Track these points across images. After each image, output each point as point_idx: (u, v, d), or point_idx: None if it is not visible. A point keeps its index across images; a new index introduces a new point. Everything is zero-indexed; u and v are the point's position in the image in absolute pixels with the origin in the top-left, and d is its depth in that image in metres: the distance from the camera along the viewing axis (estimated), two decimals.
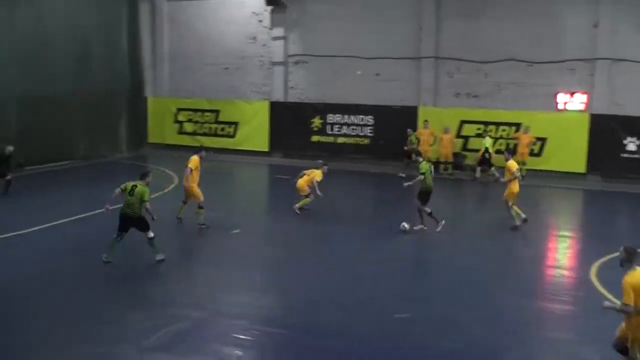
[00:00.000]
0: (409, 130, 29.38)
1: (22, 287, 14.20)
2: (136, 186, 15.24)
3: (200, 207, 19.04)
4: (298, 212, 20.54)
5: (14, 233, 18.02)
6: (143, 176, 15.58)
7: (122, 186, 15.37)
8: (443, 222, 18.69)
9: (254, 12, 33.49)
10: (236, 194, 26.78)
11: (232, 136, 34.37)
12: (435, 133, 29.17)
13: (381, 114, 30.94)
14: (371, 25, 30.70)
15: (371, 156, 30.61)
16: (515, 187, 19.16)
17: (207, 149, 21.08)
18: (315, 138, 32.28)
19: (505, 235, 19.11)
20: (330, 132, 32.02)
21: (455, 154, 29.16)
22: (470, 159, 28.67)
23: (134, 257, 16.51)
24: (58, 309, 12.95)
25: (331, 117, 32.00)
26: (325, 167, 20.98)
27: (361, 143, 31.05)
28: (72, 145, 31.75)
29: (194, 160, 19.34)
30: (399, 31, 30.34)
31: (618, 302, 9.36)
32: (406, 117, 29.99)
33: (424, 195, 18.66)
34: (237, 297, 13.63)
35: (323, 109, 32.17)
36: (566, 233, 20.38)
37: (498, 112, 28.78)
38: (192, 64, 35.53)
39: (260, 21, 33.43)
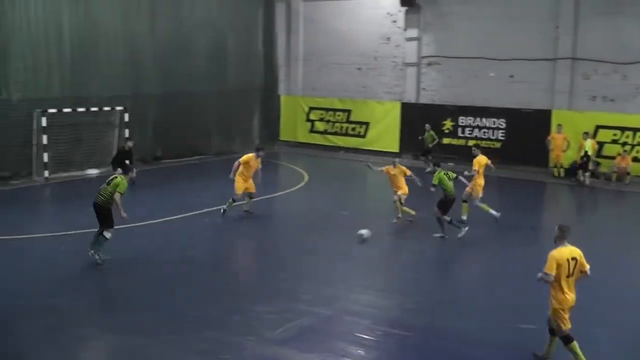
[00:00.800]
0: (426, 125, 30.15)
1: (158, 272, 14.89)
2: (116, 177, 15.27)
3: (233, 201, 19.65)
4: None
5: (149, 221, 18.92)
6: (126, 170, 15.77)
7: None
8: (466, 228, 18.35)
9: (388, 13, 33.38)
10: (364, 194, 26.85)
11: (363, 136, 34.47)
12: (569, 138, 28.29)
13: (514, 117, 30.21)
14: (506, 25, 29.93)
15: (503, 160, 29.75)
16: (481, 180, 19.81)
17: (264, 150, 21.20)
18: (446, 140, 31.75)
19: (633, 248, 18.40)
20: (461, 135, 31.58)
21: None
22: (605, 167, 27.62)
23: (262, 252, 16.93)
24: (191, 293, 13.60)
25: (463, 120, 31.56)
26: (395, 161, 20.42)
27: (492, 147, 30.41)
28: (206, 141, 32.96)
29: (246, 157, 19.94)
30: (534, 31, 29.44)
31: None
32: (539, 120, 29.21)
33: (444, 204, 18.28)
34: (361, 296, 13.73)
35: (455, 111, 31.76)
36: None
37: (636, 116, 27.59)
38: (326, 64, 35.89)
39: (394, 22, 33.29)
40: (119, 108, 28.13)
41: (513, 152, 29.73)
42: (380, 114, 33.77)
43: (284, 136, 36.89)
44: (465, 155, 30.08)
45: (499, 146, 30.58)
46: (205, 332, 11.55)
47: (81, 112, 26.92)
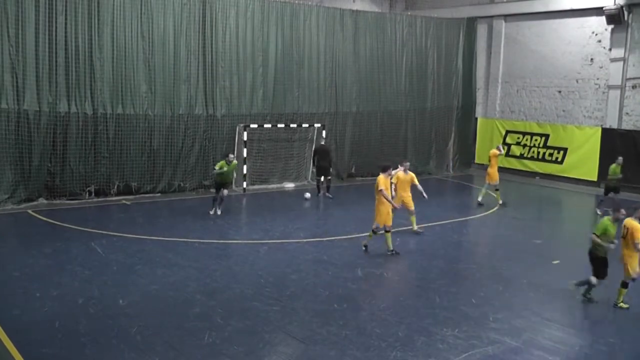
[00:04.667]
0: (619, 158, 25.12)
1: (343, 287, 15.11)
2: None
3: (387, 231, 18.36)
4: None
5: (332, 237, 19.18)
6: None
7: None
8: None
9: (593, 32, 31.86)
10: (558, 222, 25.72)
11: (560, 162, 33.24)
12: None
13: None
14: None
15: None
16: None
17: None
18: None
19: None
20: None
21: None
22: None
23: (452, 275, 16.73)
24: (377, 310, 13.62)
25: None
26: None
27: None
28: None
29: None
30: None
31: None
32: None
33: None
34: (554, 330, 13.08)
35: None
36: None
37: None
38: (525, 86, 35.12)
39: (599, 41, 31.73)
40: (317, 125, 29.07)
41: None
42: (579, 139, 32.30)
43: (479, 159, 36.40)
44: None
45: None
46: (389, 351, 11.57)
47: (281, 127, 28.22)
